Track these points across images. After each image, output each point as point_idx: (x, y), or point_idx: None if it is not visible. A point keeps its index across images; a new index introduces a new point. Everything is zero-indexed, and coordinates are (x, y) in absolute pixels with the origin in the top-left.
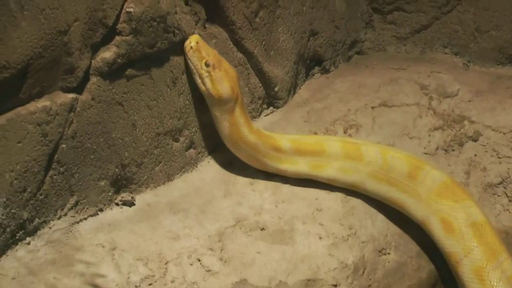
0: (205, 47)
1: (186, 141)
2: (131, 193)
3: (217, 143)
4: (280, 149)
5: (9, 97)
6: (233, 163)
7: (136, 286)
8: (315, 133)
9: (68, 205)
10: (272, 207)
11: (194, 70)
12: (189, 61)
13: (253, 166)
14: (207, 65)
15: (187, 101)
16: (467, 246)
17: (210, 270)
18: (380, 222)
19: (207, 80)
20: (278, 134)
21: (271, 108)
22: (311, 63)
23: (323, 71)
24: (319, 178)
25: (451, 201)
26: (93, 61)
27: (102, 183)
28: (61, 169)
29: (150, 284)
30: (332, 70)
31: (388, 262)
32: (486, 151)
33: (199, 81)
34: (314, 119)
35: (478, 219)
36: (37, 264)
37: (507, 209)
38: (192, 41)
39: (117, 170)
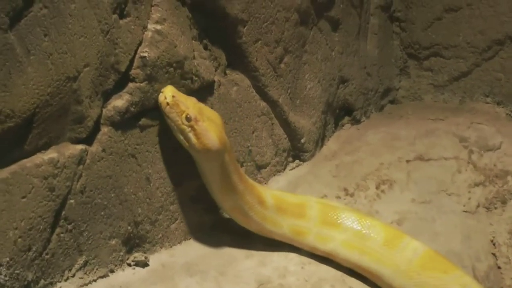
0: (182, 98)
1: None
2: (145, 252)
3: None
4: (264, 204)
5: (13, 148)
6: None
7: None
8: (345, 189)
9: (77, 266)
10: (297, 268)
11: (175, 127)
12: (167, 118)
13: (237, 221)
14: (188, 119)
15: None
16: None
17: None
18: None
19: (190, 135)
20: (263, 187)
21: (297, 161)
22: (341, 112)
23: (354, 121)
24: (301, 246)
25: (439, 272)
26: (104, 110)
27: (113, 242)
28: (69, 227)
29: None
30: (363, 121)
31: None
32: None
33: (181, 137)
34: (343, 174)
35: None
36: None
37: None
38: (168, 96)
39: (129, 227)
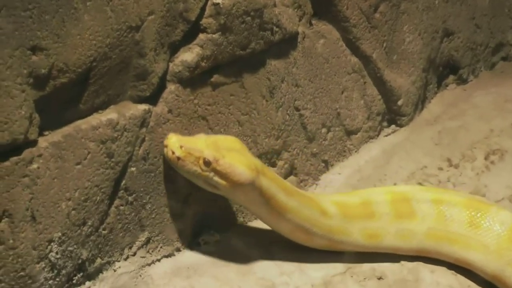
0: (191, 143)
1: (286, 165)
2: (217, 230)
3: (323, 170)
4: (327, 213)
5: (66, 108)
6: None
7: None
8: (449, 159)
9: (138, 243)
10: None
11: (196, 178)
12: (184, 173)
13: (300, 242)
14: (207, 163)
15: (287, 116)
16: None
17: None
18: None
19: (216, 179)
20: (317, 195)
21: (392, 126)
22: (444, 70)
23: (460, 81)
24: (378, 250)
25: None
26: (170, 65)
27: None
28: (130, 198)
29: None
30: (471, 80)
31: None
32: None
33: (207, 186)
34: (447, 141)
35: None
36: None
37: None
38: (175, 149)
39: None
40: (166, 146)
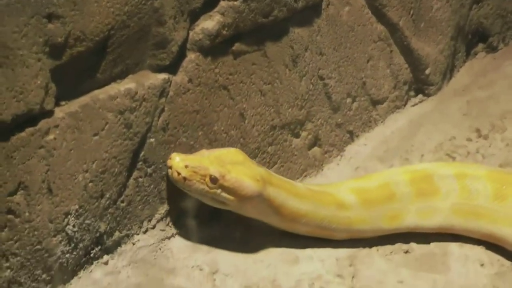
0: (195, 162)
1: (309, 136)
2: None
3: (348, 141)
4: (344, 206)
5: (84, 77)
6: (367, 167)
7: None
8: (478, 130)
9: (157, 216)
10: None
11: (204, 197)
12: (191, 192)
13: (323, 237)
14: (213, 180)
15: (311, 86)
16: None
17: None
18: None
19: (224, 196)
20: (333, 185)
21: (420, 96)
22: (474, 39)
23: (489, 49)
24: (400, 230)
25: None
26: (191, 33)
27: None
28: (149, 170)
29: None
30: (501, 49)
31: None
32: None
33: (214, 203)
34: (476, 112)
35: None
36: None
37: None
38: (180, 169)
39: None
40: (170, 167)
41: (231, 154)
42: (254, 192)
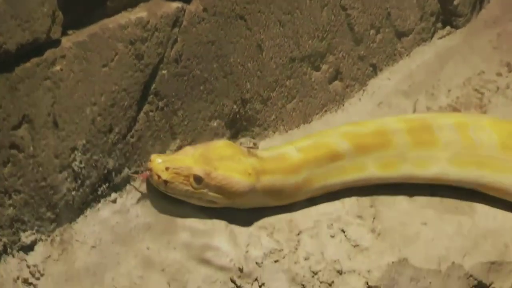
0: (177, 161)
1: (330, 70)
2: (254, 138)
3: (371, 75)
4: (338, 155)
5: (93, 5)
6: (391, 102)
7: (257, 262)
8: (508, 64)
9: (169, 152)
10: None
11: (190, 198)
12: (175, 195)
13: (319, 195)
14: (198, 180)
15: (333, 16)
16: None
17: (357, 245)
18: None
19: (212, 195)
20: (324, 133)
21: (447, 28)
22: None
23: None
24: (395, 179)
25: None
26: None
27: (215, 124)
28: (160, 104)
29: (276, 261)
30: None
31: None
32: None
33: (202, 203)
34: (507, 45)
35: None
36: (125, 229)
37: None
38: (160, 172)
39: (235, 106)
40: (150, 170)
41: (219, 148)
42: (245, 187)
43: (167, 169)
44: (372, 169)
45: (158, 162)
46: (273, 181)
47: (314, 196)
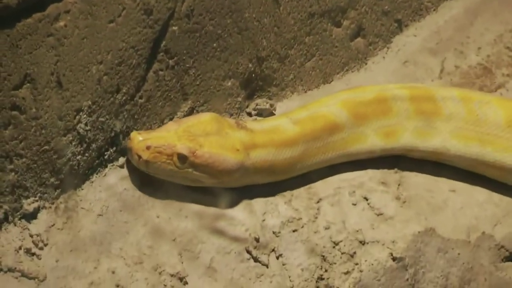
0: (158, 139)
1: (352, 26)
2: (270, 98)
3: (395, 31)
4: (337, 126)
5: None
6: (417, 61)
7: (274, 232)
8: None
9: (180, 114)
10: None
11: (175, 178)
12: (159, 175)
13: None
14: (182, 159)
15: None
16: None
17: (381, 214)
18: None
19: (198, 174)
20: (320, 102)
21: None
22: None
23: None
24: (394, 151)
25: None
26: None
27: (229, 84)
28: (171, 62)
29: (294, 231)
30: None
31: None
32: None
33: (188, 183)
34: None
35: None
36: (134, 196)
37: None
38: (141, 151)
39: (250, 65)
40: (130, 149)
41: (203, 122)
42: (233, 165)
43: (148, 148)
44: (373, 139)
45: (139, 140)
46: (264, 156)
47: (311, 170)
